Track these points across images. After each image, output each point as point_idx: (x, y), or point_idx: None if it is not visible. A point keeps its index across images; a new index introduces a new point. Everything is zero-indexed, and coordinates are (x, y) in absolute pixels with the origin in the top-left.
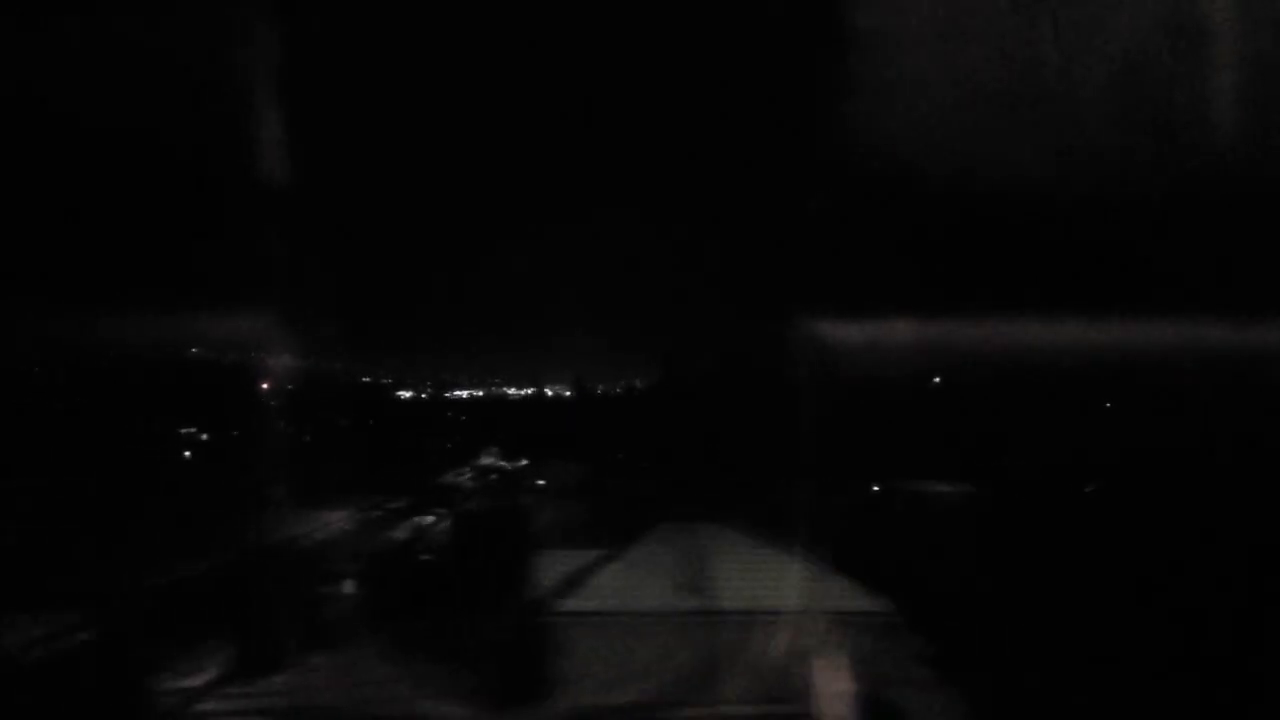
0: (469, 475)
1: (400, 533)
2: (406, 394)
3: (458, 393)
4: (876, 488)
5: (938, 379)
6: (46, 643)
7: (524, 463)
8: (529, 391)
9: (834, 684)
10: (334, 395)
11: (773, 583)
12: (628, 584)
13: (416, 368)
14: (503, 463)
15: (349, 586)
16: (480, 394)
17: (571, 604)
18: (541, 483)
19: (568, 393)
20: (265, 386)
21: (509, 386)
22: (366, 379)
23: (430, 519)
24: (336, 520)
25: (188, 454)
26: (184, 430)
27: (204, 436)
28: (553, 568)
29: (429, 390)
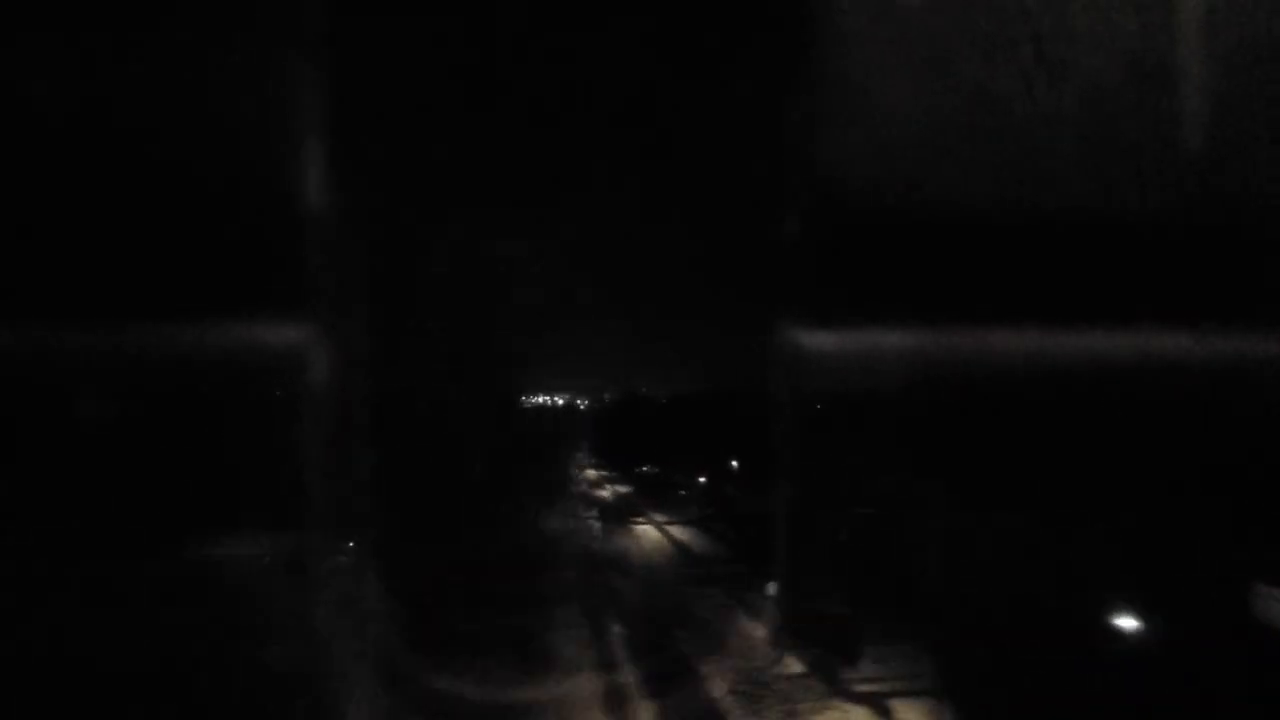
0: (584, 486)
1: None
2: None
3: None
4: None
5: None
6: None
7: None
8: (543, 399)
9: None
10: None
11: None
12: None
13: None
14: (590, 471)
15: (772, 588)
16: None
17: None
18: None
19: (579, 401)
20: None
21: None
22: None
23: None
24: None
25: None
26: None
27: None
28: None
29: None
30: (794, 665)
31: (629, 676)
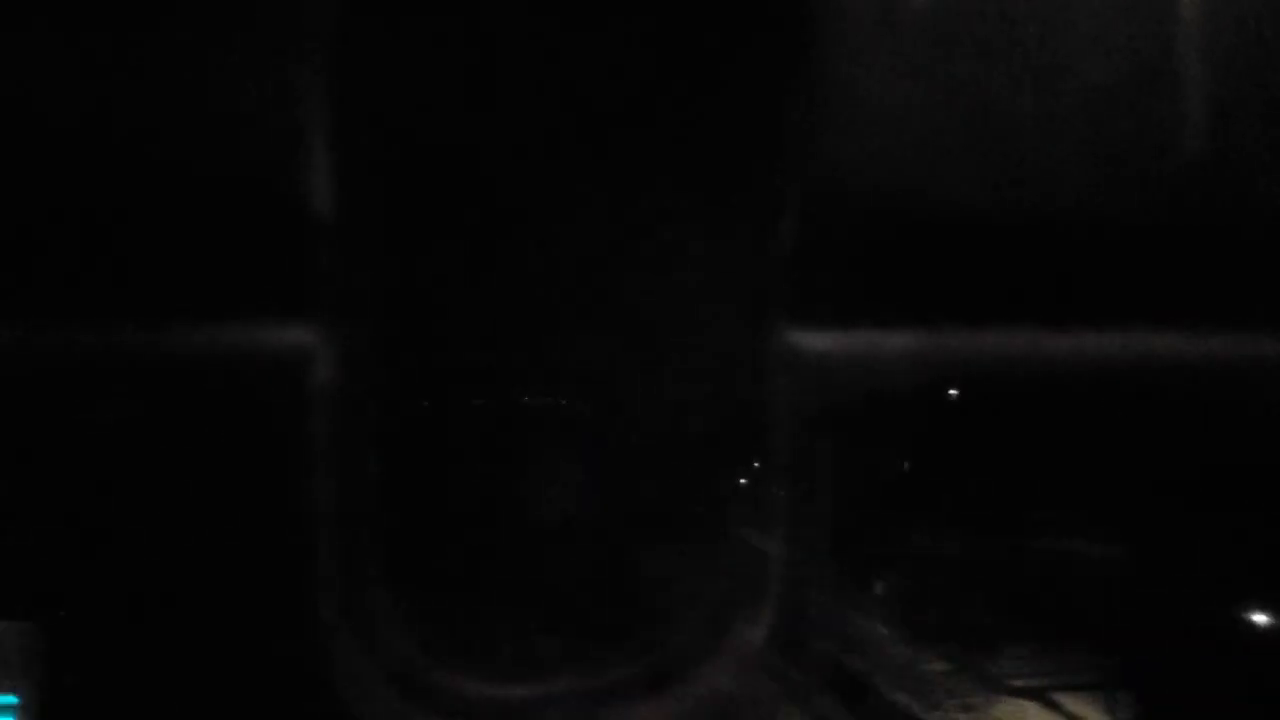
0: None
1: None
2: None
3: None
4: None
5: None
6: None
7: None
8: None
9: None
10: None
11: None
12: None
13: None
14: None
15: (879, 588)
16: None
17: None
18: None
19: (585, 404)
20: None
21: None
22: None
23: None
24: None
25: None
26: None
27: None
28: None
29: None
30: (937, 663)
31: (796, 672)
